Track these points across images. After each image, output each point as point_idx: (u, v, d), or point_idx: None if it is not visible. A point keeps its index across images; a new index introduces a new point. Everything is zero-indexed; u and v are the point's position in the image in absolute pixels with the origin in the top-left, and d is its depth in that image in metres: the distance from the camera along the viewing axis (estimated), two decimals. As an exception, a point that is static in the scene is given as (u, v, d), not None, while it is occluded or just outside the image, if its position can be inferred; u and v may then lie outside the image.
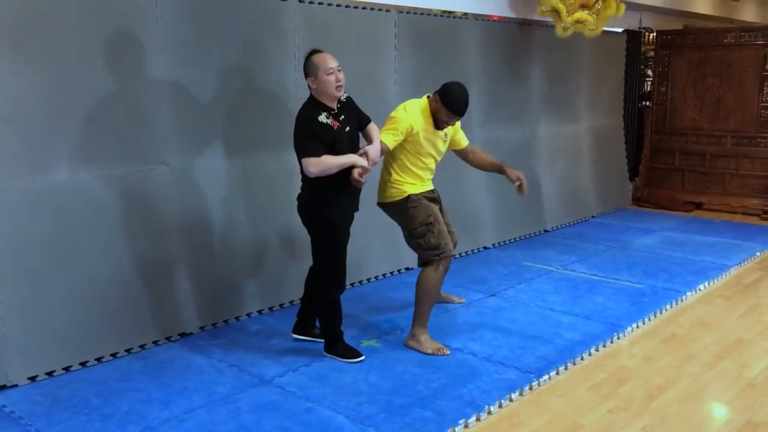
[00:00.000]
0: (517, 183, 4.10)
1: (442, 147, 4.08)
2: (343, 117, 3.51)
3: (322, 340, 3.82)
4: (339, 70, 3.42)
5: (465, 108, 3.86)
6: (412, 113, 3.87)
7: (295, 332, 4.01)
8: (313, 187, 3.50)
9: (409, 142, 3.89)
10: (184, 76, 4.00)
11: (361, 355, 3.71)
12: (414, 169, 3.99)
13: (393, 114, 3.89)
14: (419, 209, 3.95)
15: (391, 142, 3.80)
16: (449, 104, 3.80)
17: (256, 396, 3.32)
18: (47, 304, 3.50)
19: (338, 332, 3.75)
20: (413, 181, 4.00)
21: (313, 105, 3.46)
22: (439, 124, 3.91)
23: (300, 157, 3.40)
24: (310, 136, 3.38)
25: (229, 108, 4.24)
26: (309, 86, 3.45)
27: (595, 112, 7.66)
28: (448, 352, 3.85)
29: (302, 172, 3.48)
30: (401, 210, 3.98)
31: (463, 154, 4.32)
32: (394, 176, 3.97)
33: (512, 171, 4.14)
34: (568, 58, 7.03)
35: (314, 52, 3.46)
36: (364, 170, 3.44)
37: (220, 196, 4.25)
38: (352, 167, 3.42)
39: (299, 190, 3.67)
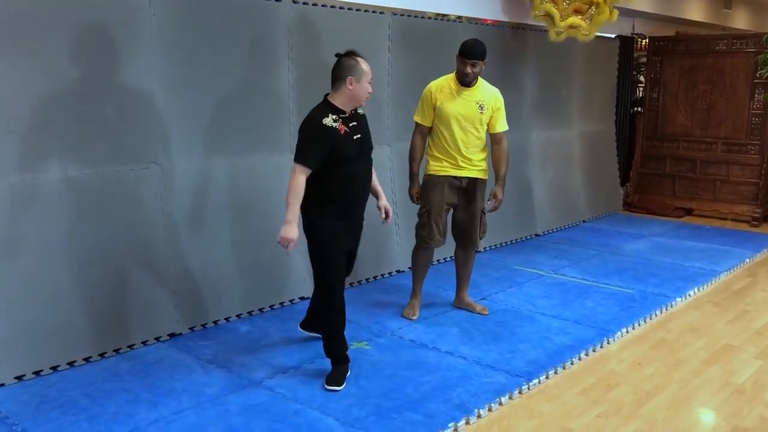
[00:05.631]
0: (490, 201, 4.32)
1: (474, 113, 4.16)
2: (353, 124, 3.38)
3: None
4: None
5: (469, 49, 4.06)
6: (435, 81, 4.22)
7: (301, 327, 3.98)
8: (310, 191, 3.32)
9: (436, 113, 4.17)
10: (176, 75, 3.98)
11: (341, 386, 3.42)
12: (438, 141, 4.22)
13: None
14: (424, 195, 4.27)
15: (420, 118, 4.24)
16: (459, 50, 4.10)
17: (244, 398, 3.30)
18: (35, 303, 3.48)
19: (338, 356, 3.48)
20: (439, 156, 4.23)
21: (323, 107, 3.33)
22: (462, 79, 4.11)
23: (294, 158, 3.27)
24: (309, 142, 3.27)
25: (221, 108, 4.23)
26: (345, 85, 3.30)
27: (587, 118, 7.68)
28: (414, 318, 4.34)
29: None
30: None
31: (491, 140, 4.35)
32: (427, 148, 4.29)
33: (498, 190, 4.31)
34: (561, 62, 7.05)
35: (355, 54, 3.36)
36: (283, 242, 3.29)
37: (212, 197, 4.24)
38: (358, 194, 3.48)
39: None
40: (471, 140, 4.18)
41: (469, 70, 4.06)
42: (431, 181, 4.23)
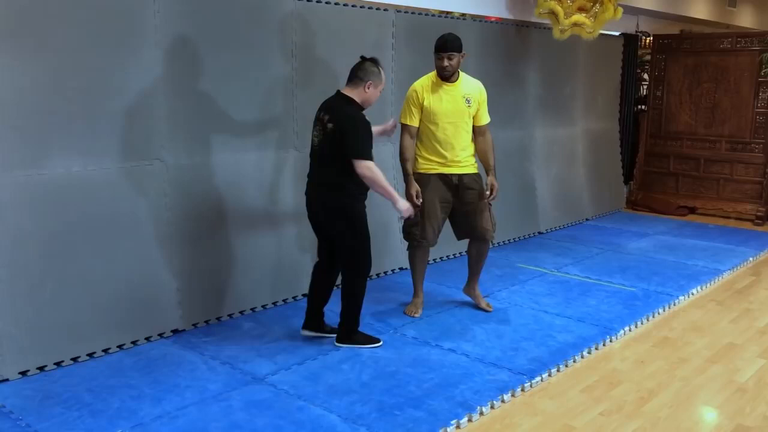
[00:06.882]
0: (487, 191, 4.28)
1: (462, 108, 4.16)
2: None
3: (333, 335, 3.93)
4: None
5: (443, 43, 4.07)
6: (417, 81, 4.21)
7: (305, 329, 4.00)
8: (337, 184, 3.63)
9: (423, 113, 4.15)
10: (180, 71, 3.98)
11: (380, 340, 3.91)
12: (426, 141, 4.20)
13: None
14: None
15: (407, 119, 4.19)
16: (434, 47, 4.10)
17: (248, 394, 3.31)
18: (39, 299, 3.49)
19: (356, 327, 3.90)
20: (428, 156, 4.22)
21: (351, 104, 3.65)
22: (442, 73, 4.10)
23: (356, 156, 3.52)
24: (367, 138, 3.58)
25: (225, 105, 4.23)
26: (363, 87, 3.64)
27: (590, 115, 7.67)
28: (416, 315, 4.34)
29: (323, 170, 3.67)
30: None
31: (475, 132, 4.33)
32: (416, 149, 4.26)
33: (491, 179, 4.30)
34: (565, 60, 7.04)
35: (379, 63, 3.69)
36: (408, 212, 3.82)
37: (215, 193, 4.24)
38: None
39: (305, 188, 3.80)
40: (462, 135, 4.19)
41: (446, 63, 4.06)
42: (422, 179, 4.20)
